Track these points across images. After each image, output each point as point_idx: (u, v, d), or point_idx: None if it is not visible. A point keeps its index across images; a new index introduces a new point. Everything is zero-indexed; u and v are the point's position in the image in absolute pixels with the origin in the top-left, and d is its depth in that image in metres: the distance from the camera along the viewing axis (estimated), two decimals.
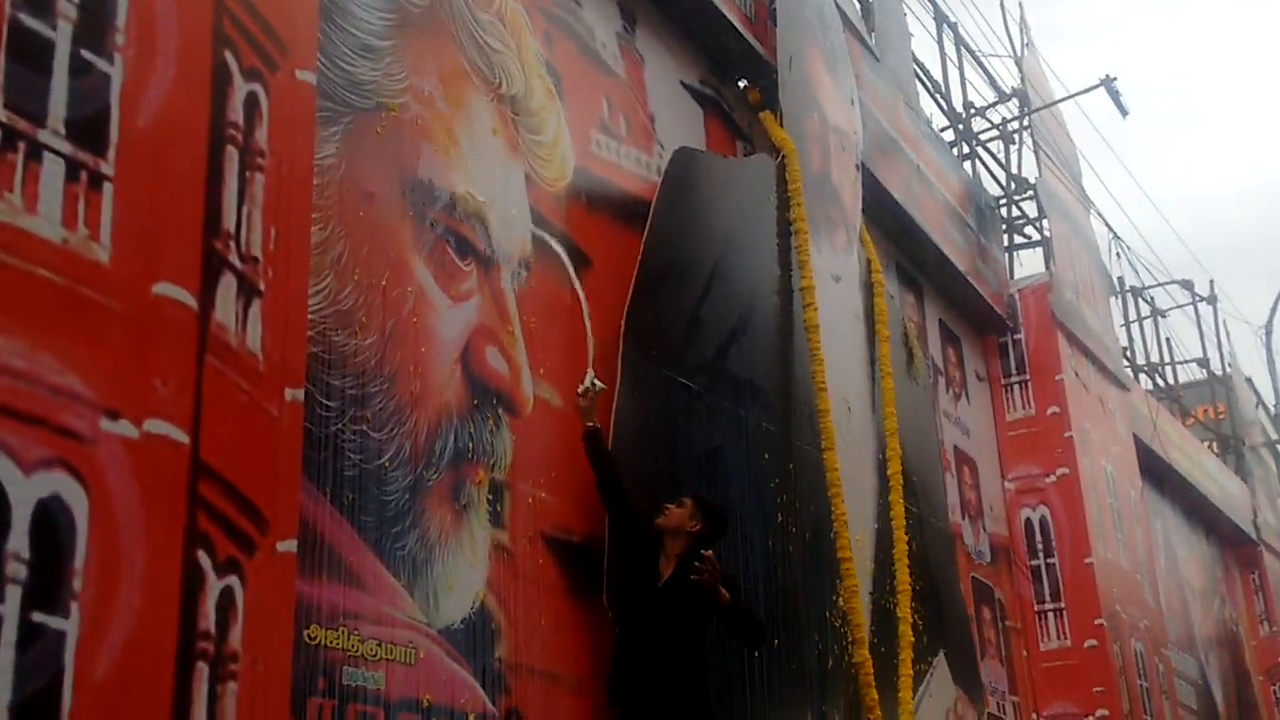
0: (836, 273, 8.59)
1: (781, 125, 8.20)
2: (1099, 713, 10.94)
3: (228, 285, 3.61)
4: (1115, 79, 14.09)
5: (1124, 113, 14.25)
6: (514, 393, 5.55)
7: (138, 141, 3.34)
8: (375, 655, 4.46)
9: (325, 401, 4.52)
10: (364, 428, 4.68)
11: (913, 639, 8.06)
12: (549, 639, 5.36)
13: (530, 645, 5.25)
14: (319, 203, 4.58)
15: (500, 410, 5.43)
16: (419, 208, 5.24)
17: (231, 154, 3.70)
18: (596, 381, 5.65)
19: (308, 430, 4.24)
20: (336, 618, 4.34)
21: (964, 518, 10.67)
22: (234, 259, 3.65)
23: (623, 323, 6.21)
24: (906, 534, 8.53)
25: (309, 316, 4.32)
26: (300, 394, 3.93)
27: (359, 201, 4.91)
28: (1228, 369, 20.48)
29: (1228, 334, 24.40)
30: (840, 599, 7.58)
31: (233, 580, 3.45)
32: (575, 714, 5.40)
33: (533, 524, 5.46)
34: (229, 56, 3.75)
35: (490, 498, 5.26)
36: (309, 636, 4.19)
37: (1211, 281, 21.46)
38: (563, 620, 5.48)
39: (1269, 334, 19.42)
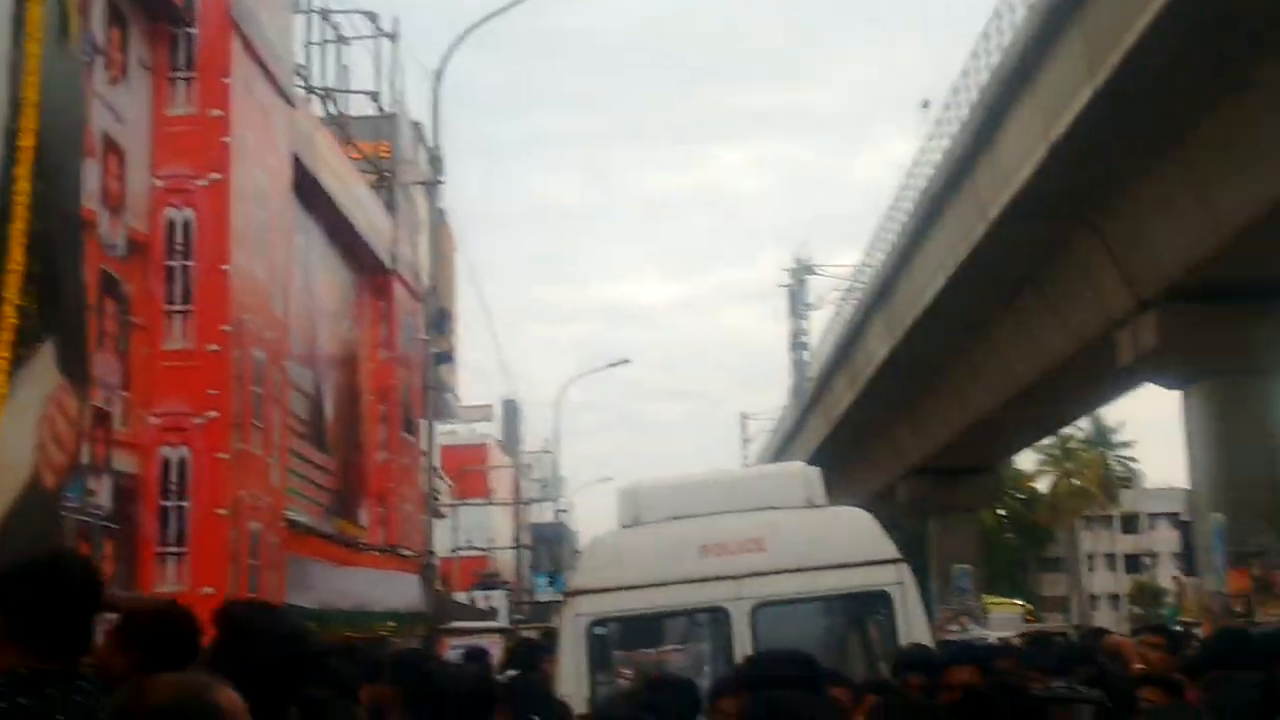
0: None
1: None
2: (209, 413, 11.23)
3: None
4: None
5: None
6: None
7: None
8: None
9: None
10: None
11: (16, 321, 7.67)
12: None
13: None
14: None
15: None
16: None
17: None
18: None
19: None
20: None
21: (103, 207, 10.28)
22: None
23: None
24: (29, 213, 8.02)
25: None
26: None
27: None
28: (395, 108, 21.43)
29: (403, 73, 25.49)
30: None
31: None
32: None
33: None
34: None
35: None
36: None
37: (396, 19, 22.17)
38: None
39: (439, 78, 20.49)
